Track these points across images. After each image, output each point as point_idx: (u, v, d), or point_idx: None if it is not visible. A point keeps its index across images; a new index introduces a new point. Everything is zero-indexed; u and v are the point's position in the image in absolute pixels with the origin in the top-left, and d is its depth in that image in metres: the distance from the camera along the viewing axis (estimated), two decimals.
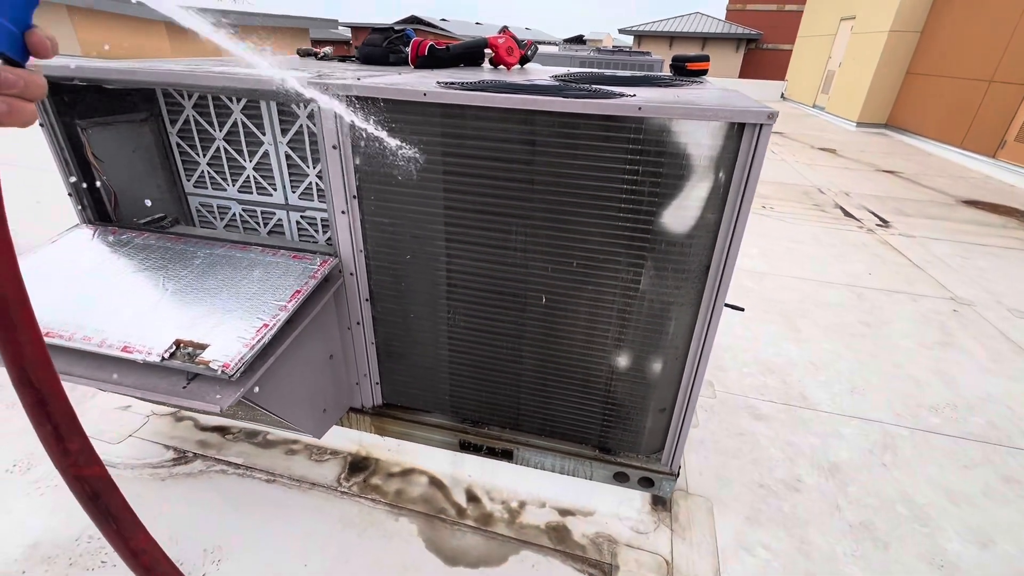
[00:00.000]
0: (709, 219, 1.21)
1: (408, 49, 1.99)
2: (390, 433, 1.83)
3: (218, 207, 2.05)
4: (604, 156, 1.20)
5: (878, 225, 5.09)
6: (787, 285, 3.67)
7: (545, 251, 1.36)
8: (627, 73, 2.06)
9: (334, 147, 1.35)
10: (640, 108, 1.11)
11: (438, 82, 1.36)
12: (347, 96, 1.28)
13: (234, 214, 2.04)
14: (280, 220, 2.02)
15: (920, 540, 1.76)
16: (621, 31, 28.18)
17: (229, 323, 1.26)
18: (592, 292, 1.38)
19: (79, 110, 1.64)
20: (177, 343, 1.20)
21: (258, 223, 2.04)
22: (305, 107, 1.78)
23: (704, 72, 2.18)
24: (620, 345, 1.44)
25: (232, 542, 1.61)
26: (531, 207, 1.30)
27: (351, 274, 1.54)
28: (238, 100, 1.81)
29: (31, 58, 0.52)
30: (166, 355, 1.17)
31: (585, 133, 1.19)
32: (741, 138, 1.11)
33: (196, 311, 1.30)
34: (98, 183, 1.72)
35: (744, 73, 26.74)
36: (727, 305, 2.88)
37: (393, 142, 1.29)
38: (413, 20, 33.63)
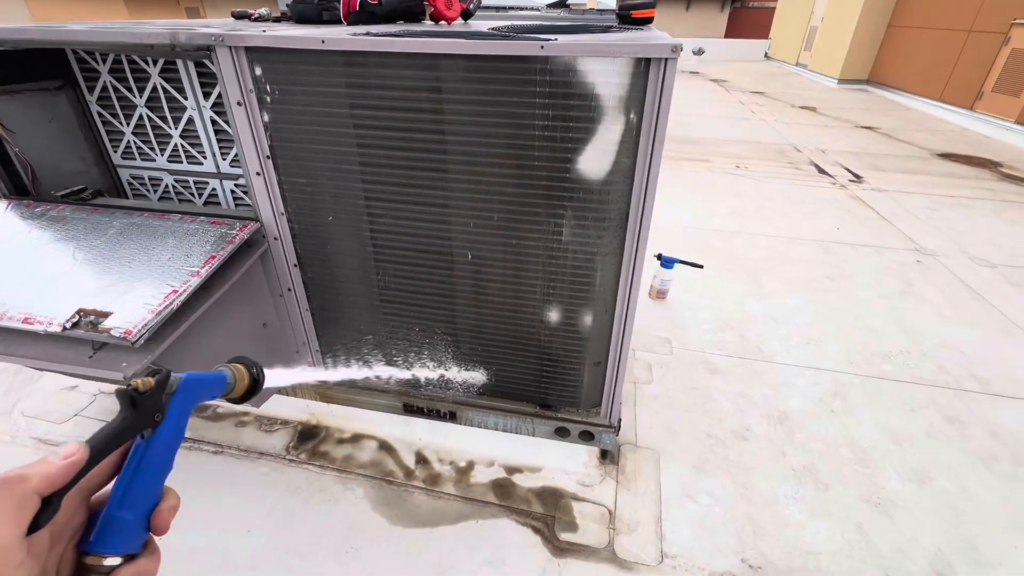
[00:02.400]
0: (624, 163, 1.18)
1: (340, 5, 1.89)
2: (335, 400, 1.82)
3: (149, 179, 1.98)
4: (514, 101, 1.15)
5: (851, 181, 5.07)
6: (755, 243, 3.66)
7: (465, 205, 1.32)
8: (566, 23, 1.99)
9: (239, 104, 1.29)
10: (543, 47, 1.06)
11: (348, 33, 1.29)
12: (246, 48, 1.21)
13: (167, 185, 1.98)
14: (214, 189, 1.95)
15: (860, 480, 1.80)
16: None
17: (137, 290, 1.22)
18: (516, 246, 1.35)
19: None
20: (80, 312, 1.16)
21: (192, 194, 1.97)
22: None
23: (650, 20, 2.10)
24: (549, 299, 1.42)
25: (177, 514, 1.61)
26: (446, 159, 1.26)
27: (275, 239, 1.50)
28: (154, 62, 1.73)
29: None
30: (68, 325, 1.14)
31: (492, 77, 1.14)
32: (648, 75, 1.07)
33: (105, 280, 1.26)
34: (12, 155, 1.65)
35: (730, 33, 26.15)
36: (684, 262, 2.87)
37: None
38: None
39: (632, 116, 1.12)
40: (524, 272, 1.39)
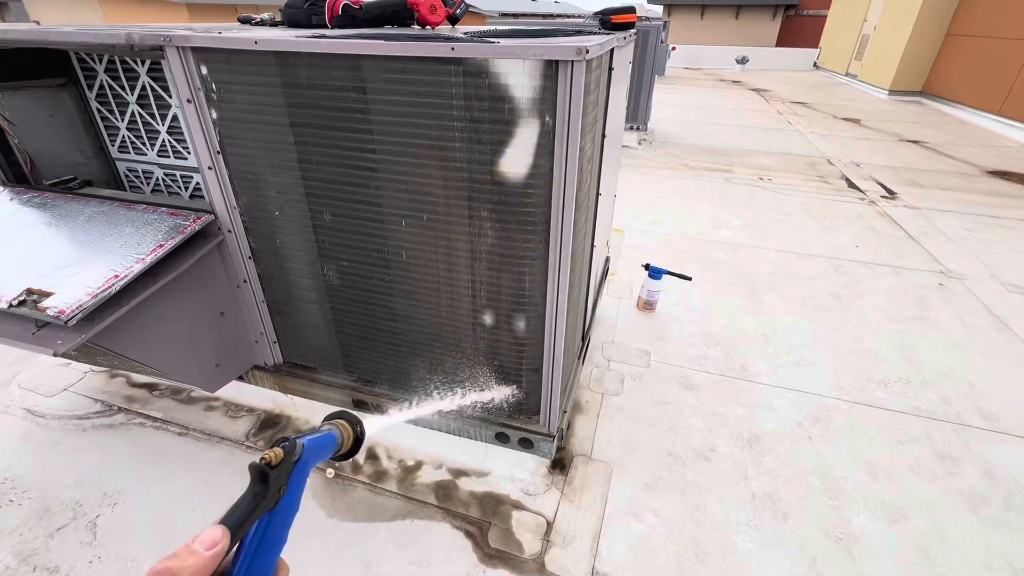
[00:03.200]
0: (542, 167, 1.16)
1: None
2: (292, 391, 1.87)
3: (143, 171, 2.10)
4: (432, 102, 1.16)
5: (883, 197, 4.79)
6: (762, 257, 3.51)
7: (396, 204, 1.33)
8: (538, 27, 1.98)
9: (188, 101, 1.35)
10: (453, 48, 1.07)
11: (297, 35, 1.34)
12: (192, 48, 1.28)
13: (157, 178, 2.09)
14: (198, 183, 2.05)
15: (825, 512, 1.69)
16: (651, 0, 27.02)
17: (84, 274, 1.30)
18: (446, 247, 1.35)
19: None
20: (28, 291, 1.25)
21: (180, 186, 2.08)
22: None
23: (631, 25, 2.07)
24: (482, 302, 1.42)
25: (132, 488, 1.69)
26: (375, 158, 1.28)
27: (229, 231, 1.56)
28: (142, 63, 1.84)
29: None
30: (14, 302, 1.22)
31: (411, 78, 1.15)
32: (557, 78, 1.05)
33: (60, 262, 1.35)
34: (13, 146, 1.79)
35: (782, 42, 25.25)
36: (672, 273, 2.79)
37: None
38: None
39: (547, 119, 1.11)
40: (456, 274, 1.39)
